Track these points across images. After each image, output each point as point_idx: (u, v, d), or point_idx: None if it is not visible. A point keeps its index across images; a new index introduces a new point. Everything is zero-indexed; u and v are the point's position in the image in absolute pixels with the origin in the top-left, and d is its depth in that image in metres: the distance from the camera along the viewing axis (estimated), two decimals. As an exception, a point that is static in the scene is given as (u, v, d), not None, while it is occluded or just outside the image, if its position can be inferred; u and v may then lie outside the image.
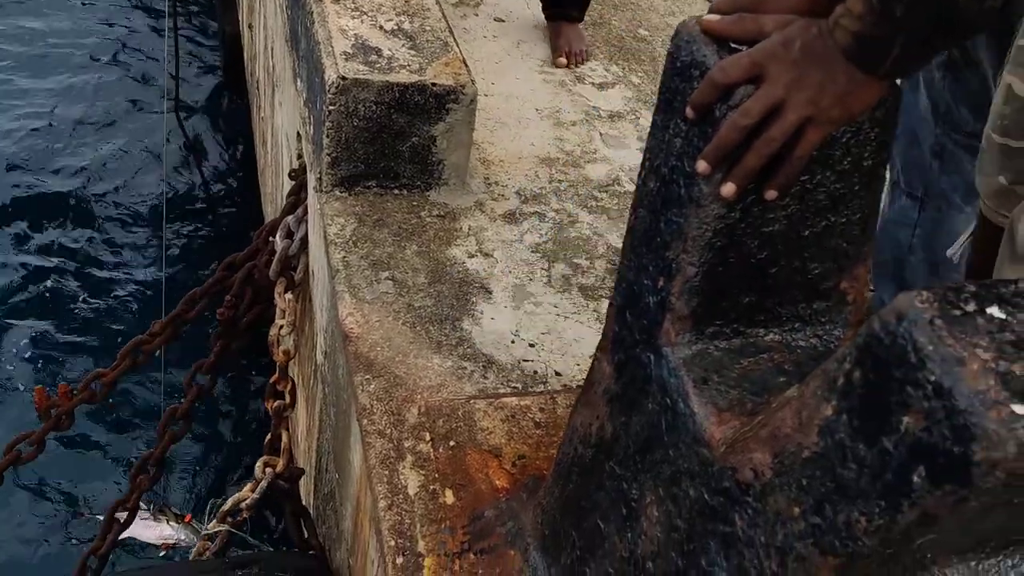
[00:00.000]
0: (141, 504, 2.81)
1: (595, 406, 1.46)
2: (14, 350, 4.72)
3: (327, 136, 2.41)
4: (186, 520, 2.90)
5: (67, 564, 3.32)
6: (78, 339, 4.81)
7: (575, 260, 2.48)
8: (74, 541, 3.73)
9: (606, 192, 2.76)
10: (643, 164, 1.35)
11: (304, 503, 2.90)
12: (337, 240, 2.36)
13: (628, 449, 1.37)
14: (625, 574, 1.36)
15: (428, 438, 1.92)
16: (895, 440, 0.89)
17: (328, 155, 2.44)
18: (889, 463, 0.90)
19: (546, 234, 2.54)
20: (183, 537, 3.42)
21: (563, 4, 3.35)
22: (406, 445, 1.91)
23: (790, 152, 1.14)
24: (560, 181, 2.77)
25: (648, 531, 1.31)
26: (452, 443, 1.90)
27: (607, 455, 1.42)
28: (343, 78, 2.36)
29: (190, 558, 2.67)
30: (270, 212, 4.73)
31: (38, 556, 3.78)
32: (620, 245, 2.59)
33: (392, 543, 1.74)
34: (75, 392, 3.00)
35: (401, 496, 1.82)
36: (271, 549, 2.72)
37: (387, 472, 1.86)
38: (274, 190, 4.33)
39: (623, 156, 2.94)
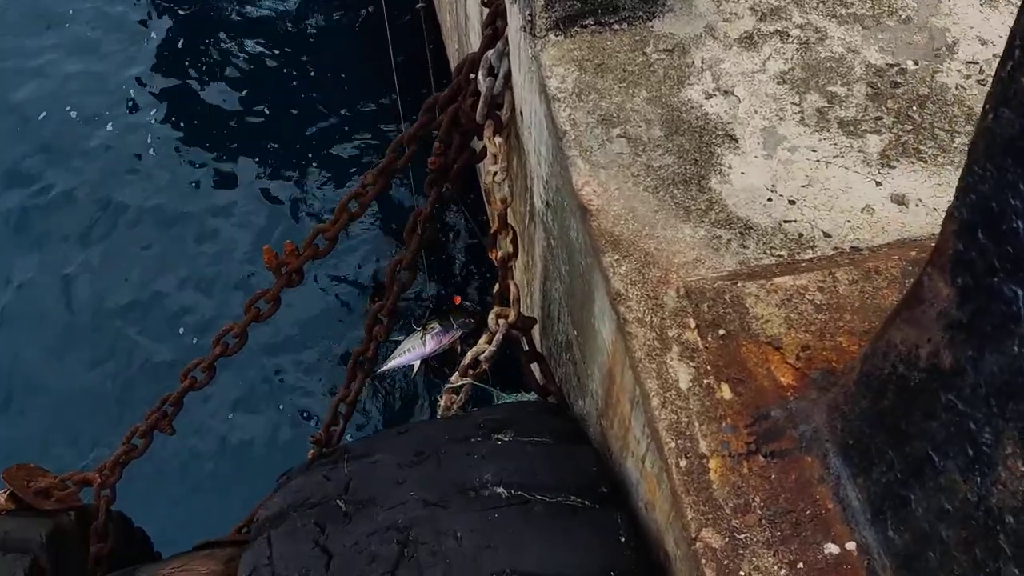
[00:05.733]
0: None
1: (924, 327, 1.27)
2: (235, 216, 4.87)
3: (536, -27, 2.14)
4: (456, 302, 2.96)
5: (319, 412, 3.55)
6: (294, 198, 4.90)
7: (829, 88, 2.16)
8: (322, 391, 3.95)
9: (855, -8, 2.36)
10: (1008, 51, 1.06)
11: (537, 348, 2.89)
12: (560, 95, 2.15)
13: (978, 389, 1.18)
14: (972, 518, 1.23)
15: (693, 325, 1.78)
16: None
17: (539, -6, 2.17)
18: None
19: (792, 58, 2.22)
20: (455, 327, 3.61)
21: None
22: (670, 334, 1.79)
23: None
24: (798, -16, 2.38)
25: (1008, 483, 1.15)
26: (722, 331, 1.76)
27: (944, 386, 1.24)
28: (550, -97, 2.04)
29: (438, 414, 2.74)
30: (450, 25, 4.47)
31: (291, 406, 4.04)
32: (881, 63, 2.24)
33: (672, 444, 1.66)
34: (301, 250, 3.05)
35: (673, 392, 1.72)
36: (516, 401, 2.74)
37: (655, 366, 1.75)
38: (453, 3, 4.05)
39: (869, -60, 2.48)
